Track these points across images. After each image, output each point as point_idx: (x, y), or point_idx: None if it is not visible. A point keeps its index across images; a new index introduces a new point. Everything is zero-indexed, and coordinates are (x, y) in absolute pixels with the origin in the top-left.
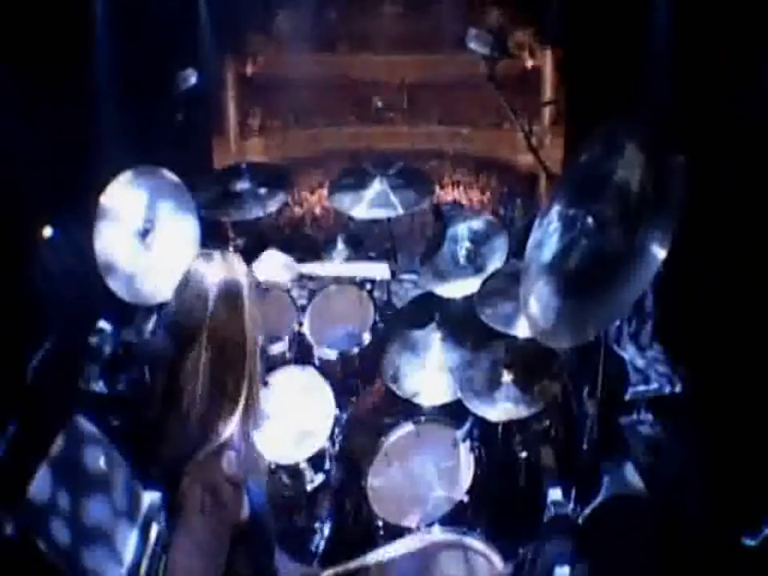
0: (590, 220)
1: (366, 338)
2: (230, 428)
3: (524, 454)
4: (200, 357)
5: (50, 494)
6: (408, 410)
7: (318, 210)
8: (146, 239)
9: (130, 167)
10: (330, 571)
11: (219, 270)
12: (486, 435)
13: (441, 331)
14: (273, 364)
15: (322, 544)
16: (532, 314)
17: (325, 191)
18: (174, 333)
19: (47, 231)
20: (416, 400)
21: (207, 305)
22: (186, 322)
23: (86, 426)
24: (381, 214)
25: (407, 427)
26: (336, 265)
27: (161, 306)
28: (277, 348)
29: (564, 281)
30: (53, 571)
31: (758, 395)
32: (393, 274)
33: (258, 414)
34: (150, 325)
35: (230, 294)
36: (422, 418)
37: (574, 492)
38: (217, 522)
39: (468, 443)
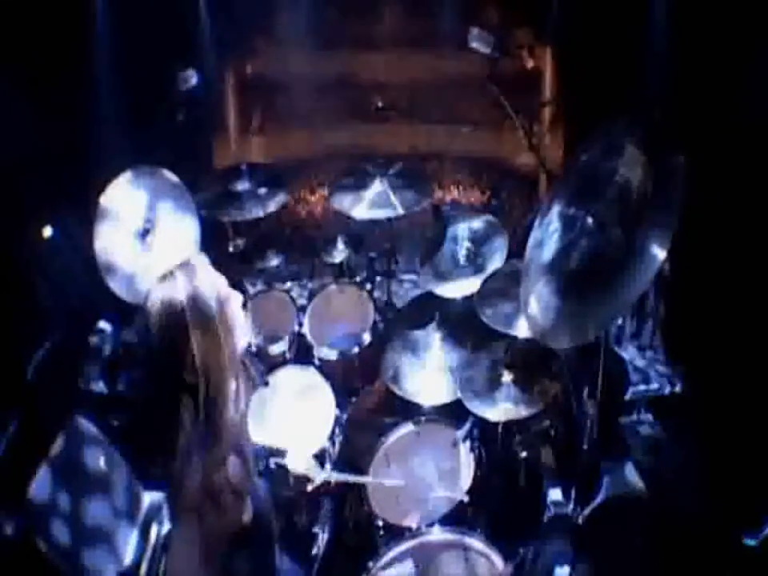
0: (589, 220)
1: (366, 338)
2: (229, 433)
3: (524, 454)
4: (186, 372)
5: (49, 493)
6: (408, 410)
7: (318, 210)
8: (146, 239)
9: (130, 167)
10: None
11: (182, 287)
12: (486, 435)
13: (441, 331)
14: (273, 364)
15: (322, 544)
16: (532, 314)
17: (325, 191)
18: (157, 353)
19: (47, 231)
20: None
21: (178, 325)
22: (164, 343)
23: (86, 425)
24: (381, 214)
25: (407, 427)
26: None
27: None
28: (277, 348)
29: (564, 281)
30: (53, 571)
31: (758, 395)
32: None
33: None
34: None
35: (197, 309)
36: (422, 418)
37: (573, 492)
38: (214, 528)
39: (468, 443)
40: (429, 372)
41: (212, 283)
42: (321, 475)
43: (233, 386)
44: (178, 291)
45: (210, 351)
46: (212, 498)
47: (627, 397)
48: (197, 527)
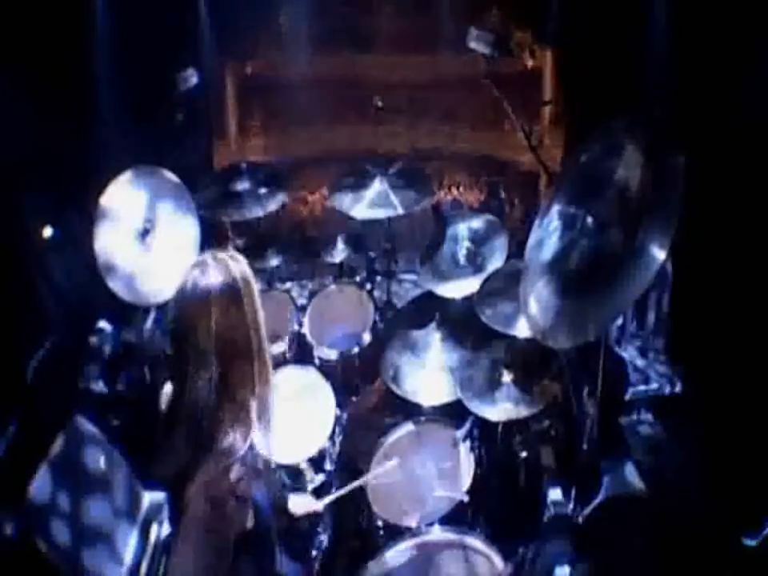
0: (589, 220)
1: (366, 337)
2: (240, 437)
3: (524, 454)
4: (203, 364)
5: (50, 493)
6: (408, 410)
7: (318, 210)
8: (146, 239)
9: (130, 167)
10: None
11: (215, 275)
12: (486, 435)
13: (441, 331)
14: (273, 364)
15: (323, 544)
16: (532, 314)
17: (325, 191)
18: (177, 341)
19: (47, 231)
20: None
21: (206, 312)
22: (188, 330)
23: (86, 426)
24: (381, 213)
25: (407, 427)
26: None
27: (159, 306)
28: (277, 348)
29: (564, 281)
30: (53, 571)
31: (758, 395)
32: None
33: (268, 417)
34: (149, 324)
35: (228, 298)
36: (422, 418)
37: (574, 492)
38: (218, 536)
39: (468, 443)
40: (429, 372)
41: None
42: (321, 503)
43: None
44: (230, 271)
45: (254, 330)
46: (216, 506)
47: (627, 397)
48: (200, 538)
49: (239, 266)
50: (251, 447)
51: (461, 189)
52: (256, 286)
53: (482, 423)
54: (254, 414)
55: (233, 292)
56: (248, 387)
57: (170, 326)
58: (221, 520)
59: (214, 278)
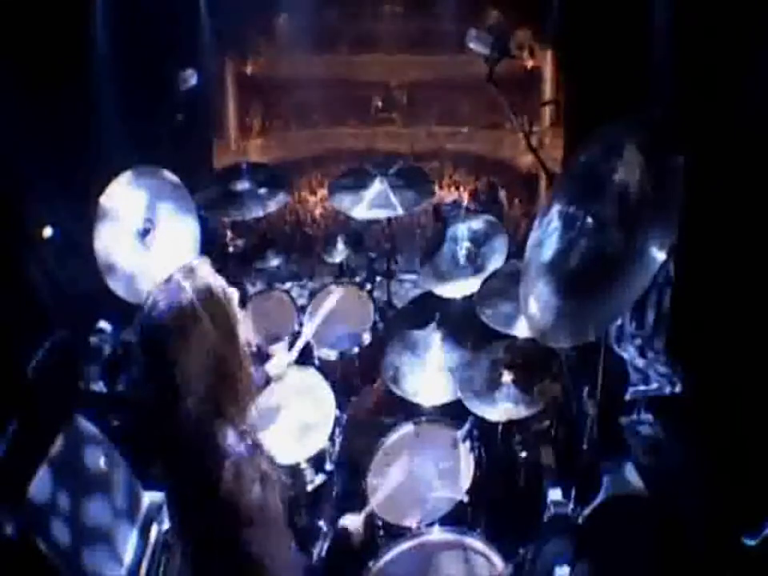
0: (589, 220)
1: (366, 338)
2: (234, 437)
3: (524, 454)
4: (187, 363)
5: (49, 494)
6: (408, 409)
7: (318, 210)
8: (146, 239)
9: (130, 167)
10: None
11: (189, 289)
12: (486, 435)
13: (441, 331)
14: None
15: (323, 544)
16: (532, 314)
17: (325, 191)
18: (153, 356)
19: (47, 231)
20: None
21: (184, 327)
22: (166, 346)
23: (86, 426)
24: (381, 214)
25: (407, 427)
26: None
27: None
28: (277, 348)
29: (564, 281)
30: (53, 571)
31: (758, 395)
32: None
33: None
34: None
35: (204, 310)
36: (422, 418)
37: (574, 492)
38: (272, 496)
39: (468, 443)
40: (429, 372)
41: (214, 282)
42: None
43: (246, 378)
44: (185, 290)
45: (227, 343)
46: (262, 479)
47: (627, 397)
48: (264, 502)
49: (210, 276)
50: (255, 449)
51: (461, 189)
52: (234, 294)
53: (482, 423)
54: (246, 418)
55: (208, 304)
56: (235, 396)
57: (141, 343)
58: (270, 487)
59: (188, 293)
